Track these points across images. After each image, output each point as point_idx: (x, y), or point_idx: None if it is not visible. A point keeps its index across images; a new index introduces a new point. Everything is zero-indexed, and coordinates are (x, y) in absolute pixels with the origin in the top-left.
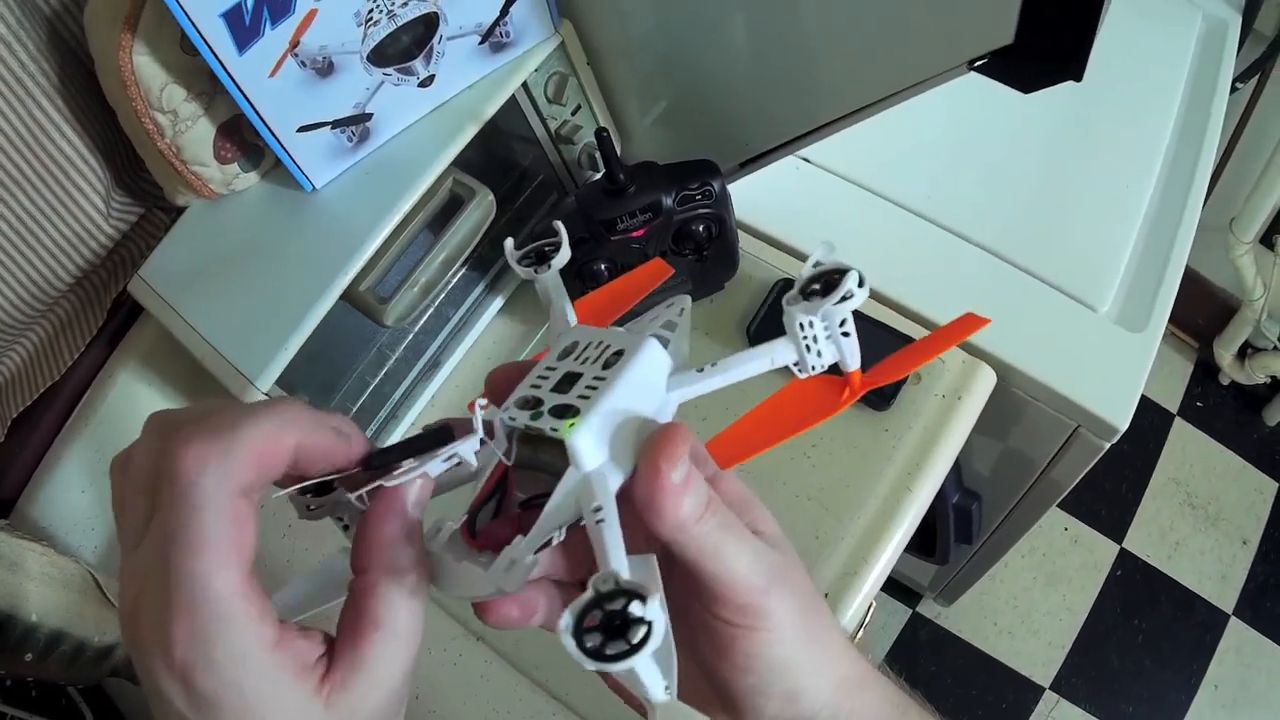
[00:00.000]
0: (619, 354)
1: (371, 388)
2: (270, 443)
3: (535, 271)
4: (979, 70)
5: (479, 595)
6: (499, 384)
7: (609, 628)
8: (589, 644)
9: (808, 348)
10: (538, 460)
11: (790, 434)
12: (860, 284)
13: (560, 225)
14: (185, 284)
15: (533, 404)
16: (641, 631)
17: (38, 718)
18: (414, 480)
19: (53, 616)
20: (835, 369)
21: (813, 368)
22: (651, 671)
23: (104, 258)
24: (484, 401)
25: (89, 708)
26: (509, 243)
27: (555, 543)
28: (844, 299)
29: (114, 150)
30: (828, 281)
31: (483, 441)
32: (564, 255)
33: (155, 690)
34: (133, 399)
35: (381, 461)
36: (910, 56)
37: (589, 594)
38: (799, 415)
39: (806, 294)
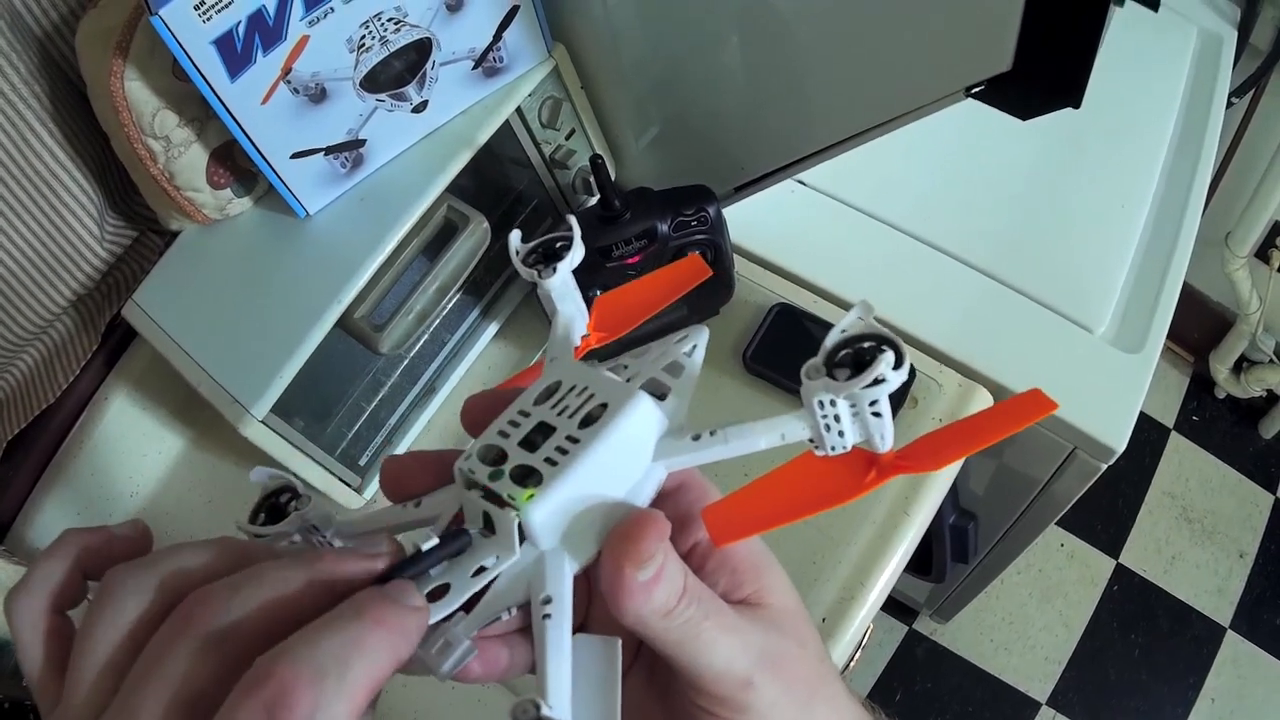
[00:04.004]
0: (603, 407)
1: (367, 413)
2: (380, 674)
3: (540, 275)
4: (976, 97)
5: (410, 671)
6: (476, 416)
7: None
8: None
9: (827, 427)
10: (489, 526)
11: (801, 515)
12: (898, 365)
13: (574, 220)
14: (179, 309)
15: (496, 458)
16: None
17: None
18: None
19: None
20: None
21: (833, 448)
22: None
23: (98, 281)
24: (475, 474)
25: None
26: (514, 236)
27: (504, 620)
28: (875, 382)
29: (107, 174)
30: (858, 354)
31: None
32: (576, 255)
33: None
34: (128, 423)
35: (399, 572)
36: (908, 83)
37: None
38: (814, 494)
39: (832, 365)
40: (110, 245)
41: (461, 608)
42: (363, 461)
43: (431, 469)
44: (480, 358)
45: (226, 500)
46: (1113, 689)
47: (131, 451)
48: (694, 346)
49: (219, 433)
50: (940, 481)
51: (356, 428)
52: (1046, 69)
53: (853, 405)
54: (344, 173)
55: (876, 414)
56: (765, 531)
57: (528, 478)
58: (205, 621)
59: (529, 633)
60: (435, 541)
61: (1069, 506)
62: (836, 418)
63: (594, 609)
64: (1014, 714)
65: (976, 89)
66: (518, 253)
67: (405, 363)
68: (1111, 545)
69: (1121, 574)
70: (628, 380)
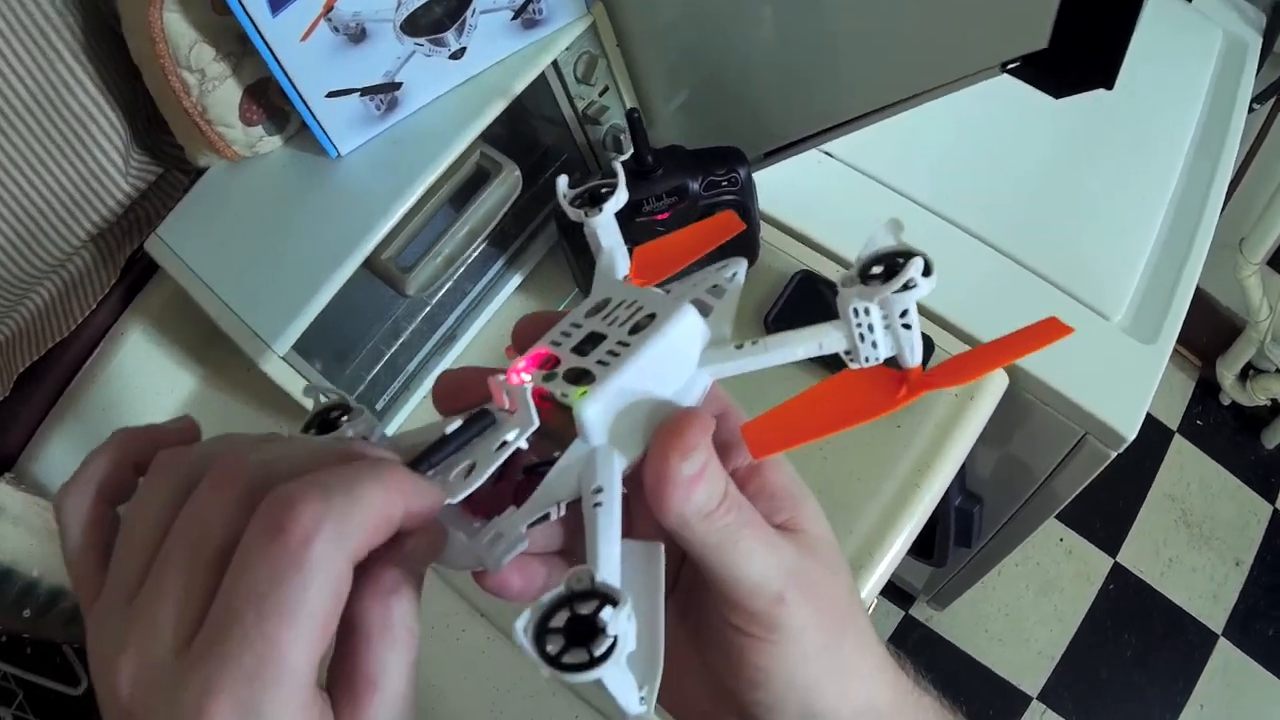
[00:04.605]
0: (651, 317)
1: (386, 358)
2: (388, 509)
3: (586, 214)
4: (1011, 73)
5: (461, 566)
6: (526, 335)
7: (575, 633)
8: (550, 648)
9: (861, 337)
10: (546, 427)
11: (836, 428)
12: (927, 272)
13: (619, 166)
14: (204, 244)
15: (548, 363)
16: (606, 643)
17: (33, 676)
18: (420, 535)
19: (54, 573)
20: (892, 361)
21: (866, 359)
22: (622, 682)
23: (120, 216)
24: (529, 376)
25: (84, 669)
26: (562, 179)
27: (554, 518)
28: (906, 287)
29: (135, 109)
30: (890, 265)
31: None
32: (620, 198)
33: None
34: (143, 358)
35: (428, 464)
36: (945, 55)
37: (559, 590)
38: (847, 409)
39: (865, 277)
40: (134, 180)
41: (514, 500)
42: (379, 405)
43: (483, 381)
44: (502, 308)
45: None
46: (1103, 688)
47: (144, 388)
48: (734, 273)
49: (232, 372)
50: (954, 456)
51: (375, 372)
52: (1081, 49)
53: (885, 315)
54: (378, 115)
55: (907, 325)
56: (801, 444)
57: (581, 378)
58: (239, 480)
59: (567, 556)
60: (458, 424)
61: (1072, 497)
62: (870, 327)
63: (636, 523)
64: (1004, 706)
65: (1012, 65)
66: (565, 195)
67: (427, 309)
68: (1110, 544)
69: (1118, 573)
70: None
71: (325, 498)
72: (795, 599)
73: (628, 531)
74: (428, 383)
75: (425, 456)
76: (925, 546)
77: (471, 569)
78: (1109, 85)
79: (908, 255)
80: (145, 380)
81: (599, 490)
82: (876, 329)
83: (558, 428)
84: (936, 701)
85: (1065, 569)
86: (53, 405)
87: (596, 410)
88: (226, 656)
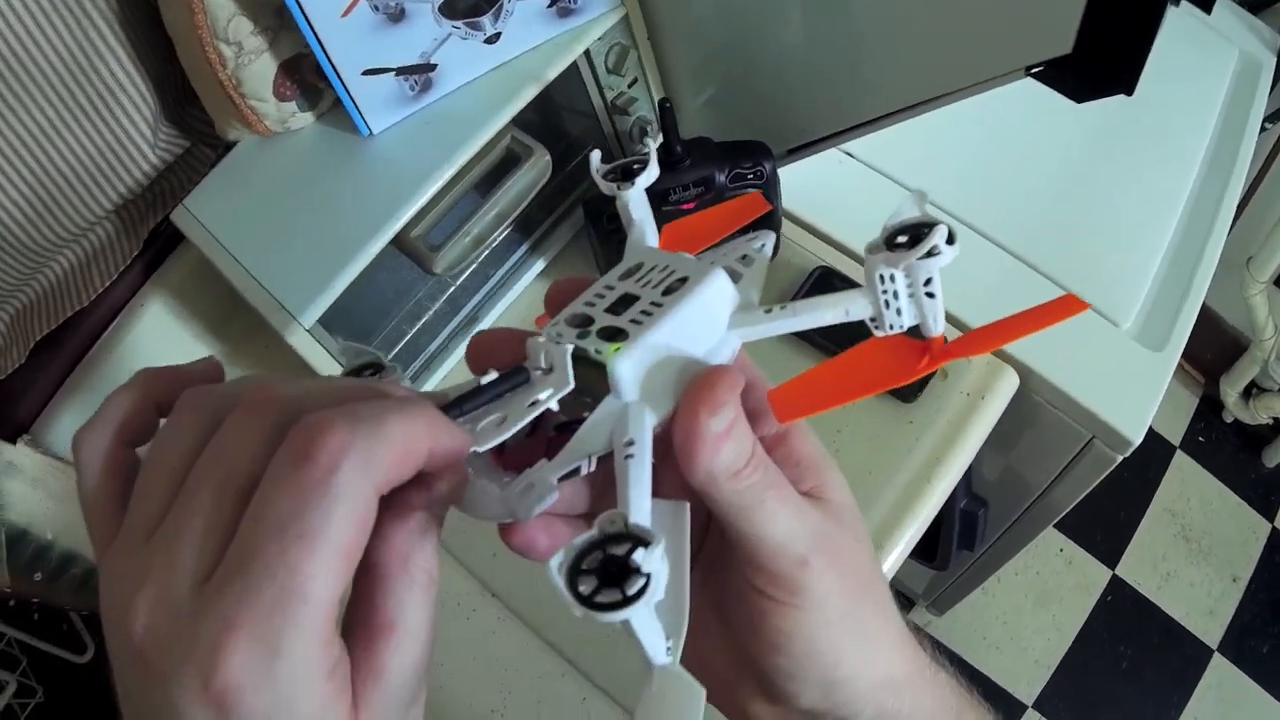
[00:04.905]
0: (683, 281)
1: (408, 338)
2: (415, 442)
3: (619, 188)
4: (1035, 77)
5: (491, 517)
6: (560, 299)
7: (607, 574)
8: (582, 588)
9: (886, 304)
10: (579, 383)
11: (860, 394)
12: (950, 240)
13: (651, 143)
14: (231, 217)
15: (582, 322)
16: (639, 583)
17: (39, 642)
18: (445, 477)
19: (68, 537)
20: (915, 330)
21: (891, 326)
22: (651, 629)
23: (145, 188)
24: (562, 339)
25: (91, 637)
26: (595, 154)
27: (584, 473)
28: (930, 254)
29: (165, 81)
30: (915, 235)
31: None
32: (651, 173)
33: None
34: (161, 331)
35: (459, 411)
36: (971, 58)
37: (592, 532)
38: (871, 376)
39: (891, 245)
40: (162, 152)
41: (545, 455)
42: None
43: (518, 342)
44: (524, 293)
45: None
46: (1098, 699)
47: (161, 360)
48: (763, 245)
49: (251, 348)
50: (964, 454)
51: (396, 351)
52: (1104, 56)
53: (909, 282)
54: (412, 95)
55: (930, 294)
56: (827, 410)
57: (614, 337)
58: (267, 413)
59: (593, 520)
60: (494, 376)
61: (1074, 504)
62: (895, 294)
63: (663, 487)
64: (1000, 713)
65: (1036, 69)
66: (598, 170)
67: (450, 291)
68: (1109, 555)
69: (1117, 585)
70: None
71: (352, 426)
72: (819, 563)
73: (656, 493)
74: (448, 363)
75: (457, 403)
76: (928, 549)
77: (501, 519)
78: (1129, 91)
79: (931, 225)
80: (162, 353)
81: (630, 443)
82: (901, 296)
83: (590, 383)
84: (952, 678)
85: (1065, 579)
86: (69, 374)
87: (629, 366)
88: (246, 589)
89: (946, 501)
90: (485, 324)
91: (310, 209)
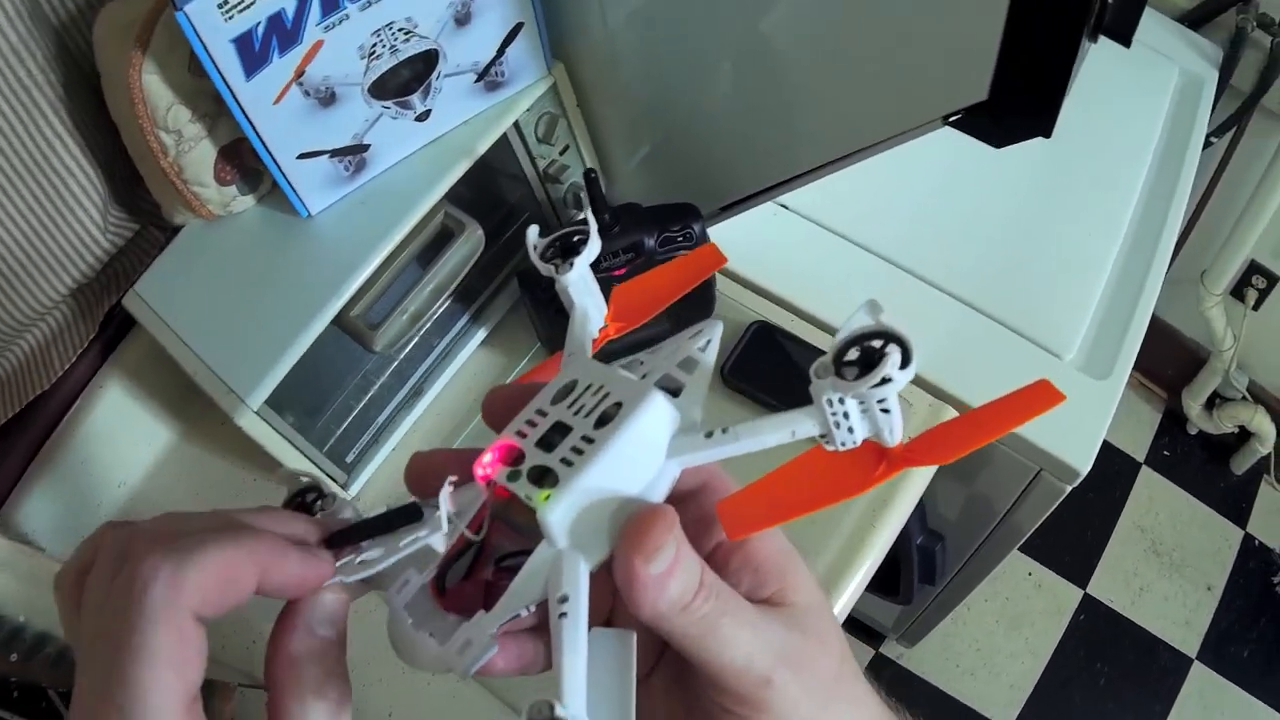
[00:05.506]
0: (618, 405)
1: (356, 412)
2: (228, 569)
3: (557, 270)
4: (954, 125)
5: (432, 670)
6: (497, 410)
7: None
8: None
9: (837, 424)
10: (514, 521)
11: (814, 508)
12: (905, 364)
13: (590, 215)
14: (180, 301)
15: (515, 458)
16: None
17: (18, 718)
18: (320, 595)
19: (40, 618)
20: None
21: (842, 444)
22: None
23: (99, 271)
24: (451, 488)
25: (68, 711)
26: (533, 230)
27: (525, 617)
28: (883, 382)
29: (113, 165)
30: (866, 352)
31: (451, 520)
32: (592, 249)
33: None
34: (121, 412)
35: (342, 542)
36: (889, 111)
37: None
38: (826, 486)
39: (840, 364)
40: (113, 236)
41: (482, 606)
42: (349, 458)
43: (454, 466)
44: (468, 362)
45: (213, 494)
46: (1078, 718)
47: (122, 441)
48: (708, 341)
49: (208, 427)
50: (907, 499)
51: (345, 425)
52: (1021, 99)
53: (862, 403)
54: (347, 175)
55: (885, 410)
56: (778, 525)
57: (544, 478)
58: (116, 549)
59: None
60: (381, 511)
61: (1034, 529)
62: (846, 414)
63: (618, 606)
64: None
65: (954, 117)
66: (535, 248)
67: (395, 364)
68: (1079, 575)
69: (1089, 604)
70: (642, 377)
71: (165, 555)
72: (783, 678)
73: (610, 618)
74: (396, 436)
75: (339, 536)
76: (891, 585)
77: (441, 672)
78: (1047, 134)
79: (887, 338)
80: (124, 433)
81: (564, 599)
82: (853, 416)
83: (526, 523)
84: None
85: (1035, 603)
86: (34, 456)
87: (559, 514)
88: (92, 691)
89: (904, 539)
90: (432, 394)
91: (254, 292)
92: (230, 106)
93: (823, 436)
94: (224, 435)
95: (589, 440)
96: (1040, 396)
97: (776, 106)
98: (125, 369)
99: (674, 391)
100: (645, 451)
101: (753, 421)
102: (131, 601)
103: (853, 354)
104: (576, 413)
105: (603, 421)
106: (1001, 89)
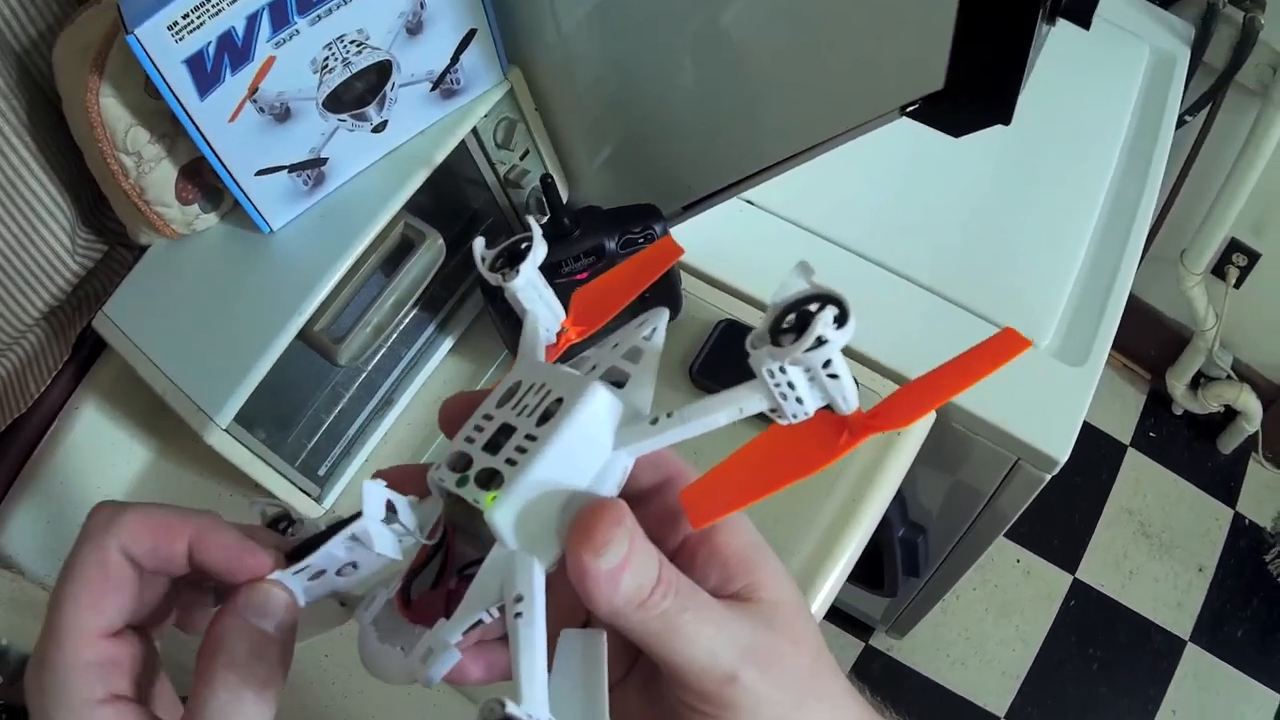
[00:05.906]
0: (560, 402)
1: (326, 425)
2: (162, 519)
3: (504, 278)
4: (911, 116)
5: (399, 681)
6: (453, 418)
7: None
8: None
9: (784, 395)
10: (470, 526)
11: (779, 486)
12: (842, 320)
13: (534, 220)
14: (147, 321)
15: (461, 464)
16: None
17: None
18: (258, 584)
19: (24, 640)
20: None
21: (794, 416)
22: None
23: (69, 293)
24: (381, 482)
25: None
26: (479, 242)
27: (488, 622)
28: (819, 342)
29: (79, 188)
30: (801, 317)
31: (388, 520)
32: (537, 254)
33: None
34: (97, 432)
35: (299, 555)
36: (846, 104)
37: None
38: (790, 463)
39: (776, 332)
40: (82, 259)
41: (444, 614)
42: (322, 471)
43: (411, 481)
44: (436, 371)
45: None
46: (1071, 703)
47: (100, 461)
48: (653, 330)
49: (184, 444)
50: (883, 492)
51: (316, 439)
52: (978, 88)
53: (807, 370)
54: (306, 190)
55: (833, 375)
56: (743, 508)
57: (491, 480)
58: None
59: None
60: (336, 519)
61: (1016, 518)
62: (791, 384)
63: (582, 611)
64: None
65: (911, 107)
66: (483, 259)
67: (363, 376)
68: (1068, 561)
69: (1079, 589)
70: (589, 372)
71: (113, 506)
72: (750, 675)
73: (588, 620)
74: (368, 447)
75: (297, 551)
76: (875, 578)
77: (409, 683)
78: (1006, 121)
79: (822, 300)
80: (101, 454)
81: (519, 599)
82: (799, 385)
83: (482, 529)
84: None
85: (1024, 590)
86: (14, 480)
87: (506, 515)
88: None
89: (885, 531)
90: (401, 405)
91: (219, 309)
92: (186, 127)
93: (773, 411)
94: (200, 451)
95: (532, 438)
96: (1005, 345)
97: (734, 102)
98: (100, 390)
99: (619, 383)
100: (589, 444)
101: (699, 402)
102: (76, 541)
103: (789, 320)
104: (520, 413)
105: (545, 419)
106: (958, 77)
